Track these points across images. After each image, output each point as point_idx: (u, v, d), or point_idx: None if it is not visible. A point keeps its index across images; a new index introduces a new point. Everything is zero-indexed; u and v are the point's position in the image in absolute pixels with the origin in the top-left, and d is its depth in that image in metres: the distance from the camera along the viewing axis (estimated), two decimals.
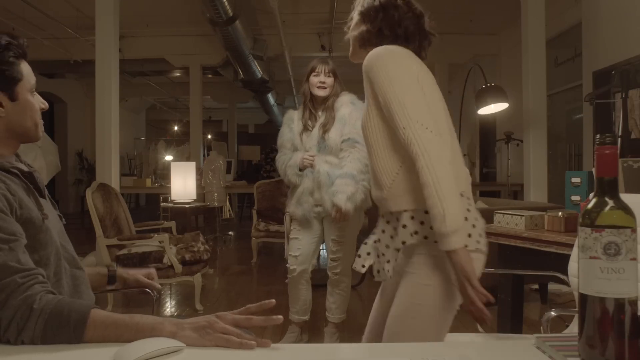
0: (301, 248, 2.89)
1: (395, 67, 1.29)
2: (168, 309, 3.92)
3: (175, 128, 14.46)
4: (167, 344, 0.93)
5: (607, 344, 0.79)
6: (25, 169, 1.22)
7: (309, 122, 2.88)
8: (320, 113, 2.88)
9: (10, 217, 1.05)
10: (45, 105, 1.25)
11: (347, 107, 2.83)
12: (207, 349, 0.93)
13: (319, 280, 3.28)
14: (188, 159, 8.00)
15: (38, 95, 1.24)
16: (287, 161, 2.88)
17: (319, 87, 2.82)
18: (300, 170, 2.82)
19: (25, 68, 1.19)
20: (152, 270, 1.51)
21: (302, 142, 2.87)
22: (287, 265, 2.96)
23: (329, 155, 2.80)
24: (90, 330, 0.96)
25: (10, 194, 1.09)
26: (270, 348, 0.98)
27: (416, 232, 1.22)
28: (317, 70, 2.84)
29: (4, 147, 1.20)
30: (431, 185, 1.16)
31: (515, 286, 2.33)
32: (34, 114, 1.21)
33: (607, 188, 0.82)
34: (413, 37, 1.43)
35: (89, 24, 5.26)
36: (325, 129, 2.81)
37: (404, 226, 1.23)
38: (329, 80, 2.84)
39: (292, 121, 2.97)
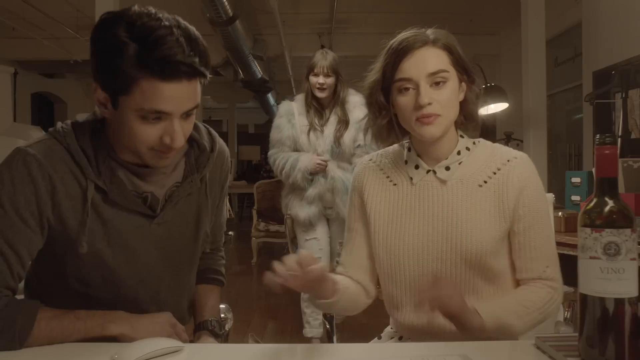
0: (323, 249, 2.72)
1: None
2: None
3: None
4: (167, 344, 0.93)
5: (607, 344, 0.79)
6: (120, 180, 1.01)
7: (316, 121, 2.68)
8: (327, 111, 2.69)
9: (27, 227, 0.95)
10: (172, 143, 0.96)
11: (360, 110, 2.59)
12: (207, 349, 0.93)
13: None
14: None
15: (176, 127, 0.95)
16: (292, 162, 2.64)
17: (318, 89, 2.63)
18: (311, 174, 2.62)
19: (147, 87, 0.90)
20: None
21: (309, 142, 2.66)
22: None
23: (342, 162, 2.66)
24: (35, 334, 0.93)
25: (52, 201, 0.97)
26: (270, 348, 0.98)
27: None
28: (315, 70, 2.63)
29: (125, 153, 1.02)
30: (537, 311, 1.06)
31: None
32: (130, 137, 0.96)
33: (607, 188, 0.82)
34: None
35: (89, 24, 5.26)
36: (339, 133, 2.63)
37: None
38: (329, 81, 2.63)
39: (292, 115, 2.71)
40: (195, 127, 1.11)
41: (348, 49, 7.83)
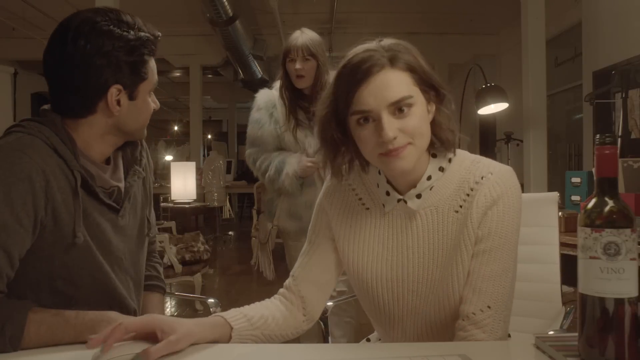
0: None
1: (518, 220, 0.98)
2: (168, 309, 3.92)
3: (175, 128, 14.46)
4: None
5: (607, 344, 0.79)
6: (92, 172, 1.05)
7: (302, 116, 2.18)
8: (314, 103, 2.29)
9: (20, 227, 0.94)
10: (157, 105, 1.14)
11: None
12: (200, 352, 0.92)
13: None
14: (188, 159, 8.00)
15: (153, 94, 1.14)
16: (277, 165, 2.17)
17: (297, 77, 2.15)
18: (301, 178, 2.16)
19: (152, 66, 1.09)
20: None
21: (296, 141, 2.18)
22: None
23: None
24: (25, 340, 0.91)
25: (45, 197, 0.97)
26: (269, 348, 0.98)
27: None
28: (291, 54, 2.14)
29: (102, 143, 1.09)
30: None
31: None
32: (146, 116, 1.12)
33: (607, 188, 0.81)
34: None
35: None
36: None
37: None
38: (308, 66, 2.13)
39: (274, 107, 2.24)
40: None
41: (348, 49, 7.83)
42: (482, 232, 0.96)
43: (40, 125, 1.02)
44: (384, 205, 1.03)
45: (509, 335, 1.03)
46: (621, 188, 2.43)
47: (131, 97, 1.07)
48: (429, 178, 0.99)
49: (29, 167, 0.95)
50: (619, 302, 0.78)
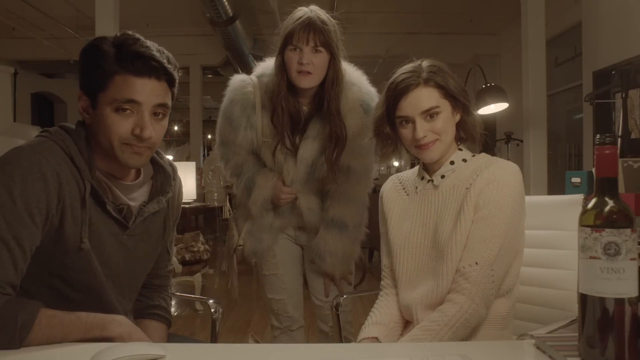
0: (287, 287, 1.83)
1: (521, 207, 1.19)
2: None
3: (175, 128, 14.46)
4: (148, 350, 0.90)
5: (607, 344, 0.79)
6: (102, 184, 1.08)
7: (288, 133, 1.66)
8: (306, 109, 1.68)
9: (33, 223, 0.97)
10: (141, 133, 1.04)
11: (356, 116, 1.65)
12: (192, 354, 0.92)
13: None
14: (188, 159, 8.00)
15: (145, 119, 1.04)
16: (246, 183, 1.74)
17: (299, 73, 1.57)
18: (272, 204, 1.75)
19: (120, 81, 1.03)
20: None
21: (273, 161, 1.69)
22: (273, 322, 1.91)
23: (317, 185, 1.74)
24: (35, 331, 0.93)
25: (58, 197, 1.01)
26: (269, 348, 0.98)
27: None
28: (294, 42, 1.57)
29: (108, 159, 1.09)
30: (446, 326, 1.10)
31: None
32: (107, 133, 1.05)
33: (607, 188, 0.82)
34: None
35: (89, 24, 5.25)
36: (332, 157, 1.64)
37: None
38: (318, 60, 1.56)
39: (252, 108, 1.67)
40: (161, 156, 1.24)
41: (348, 49, 7.81)
42: (483, 201, 1.17)
43: (65, 134, 1.07)
44: (416, 187, 1.30)
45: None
46: (621, 188, 2.43)
47: (93, 105, 1.07)
48: (452, 163, 1.26)
49: (44, 168, 1.00)
50: (619, 302, 0.78)
